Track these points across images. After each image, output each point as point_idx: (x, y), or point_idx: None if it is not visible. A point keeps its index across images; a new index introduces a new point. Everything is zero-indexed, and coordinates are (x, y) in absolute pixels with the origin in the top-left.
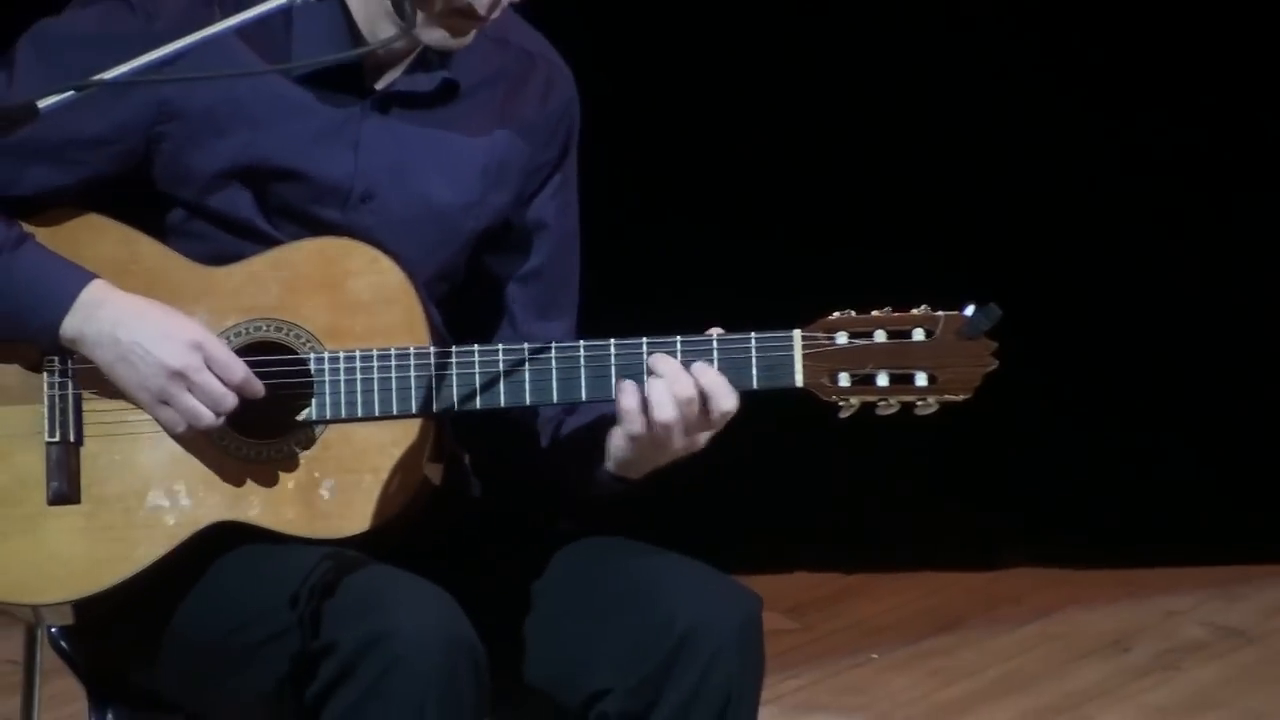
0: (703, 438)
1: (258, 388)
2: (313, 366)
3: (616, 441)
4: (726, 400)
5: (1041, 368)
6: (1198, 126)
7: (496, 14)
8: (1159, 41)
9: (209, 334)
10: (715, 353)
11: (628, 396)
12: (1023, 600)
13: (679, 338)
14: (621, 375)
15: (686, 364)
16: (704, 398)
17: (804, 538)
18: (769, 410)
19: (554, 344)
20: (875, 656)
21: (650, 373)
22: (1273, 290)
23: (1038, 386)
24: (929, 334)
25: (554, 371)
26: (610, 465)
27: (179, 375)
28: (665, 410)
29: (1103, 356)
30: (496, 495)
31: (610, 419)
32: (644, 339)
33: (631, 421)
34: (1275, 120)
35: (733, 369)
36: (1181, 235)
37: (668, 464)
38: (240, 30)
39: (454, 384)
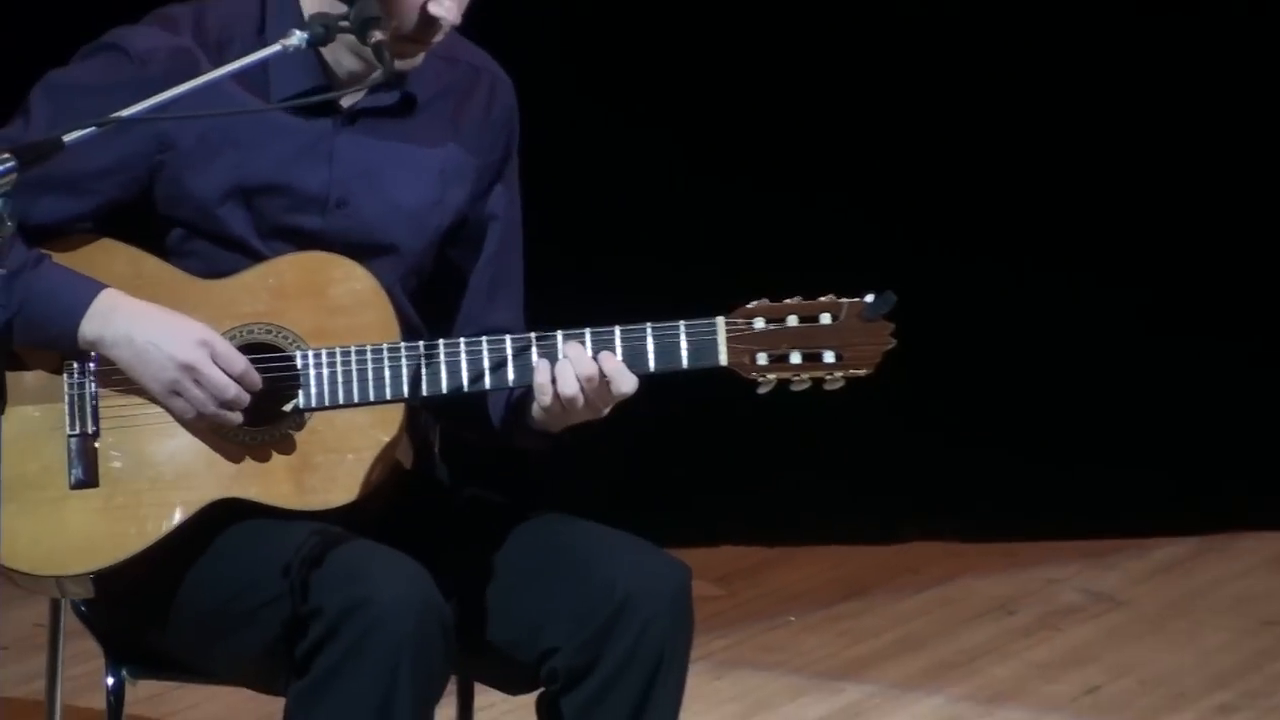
0: (605, 409)
1: (256, 379)
2: (299, 363)
3: (534, 410)
4: (625, 384)
5: (936, 363)
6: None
7: (439, 38)
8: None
9: (214, 332)
10: (616, 338)
11: (540, 374)
12: (920, 570)
13: (587, 330)
14: (540, 357)
15: (594, 352)
16: (605, 379)
17: (730, 515)
18: (699, 404)
19: (508, 336)
20: (792, 619)
21: (563, 356)
22: (1132, 281)
23: (934, 381)
24: (834, 318)
25: (509, 363)
26: (535, 418)
27: (189, 368)
28: (569, 386)
29: (989, 350)
30: (462, 477)
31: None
32: (558, 333)
33: (543, 394)
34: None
35: (665, 352)
36: (1053, 241)
37: (580, 422)
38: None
39: (422, 374)
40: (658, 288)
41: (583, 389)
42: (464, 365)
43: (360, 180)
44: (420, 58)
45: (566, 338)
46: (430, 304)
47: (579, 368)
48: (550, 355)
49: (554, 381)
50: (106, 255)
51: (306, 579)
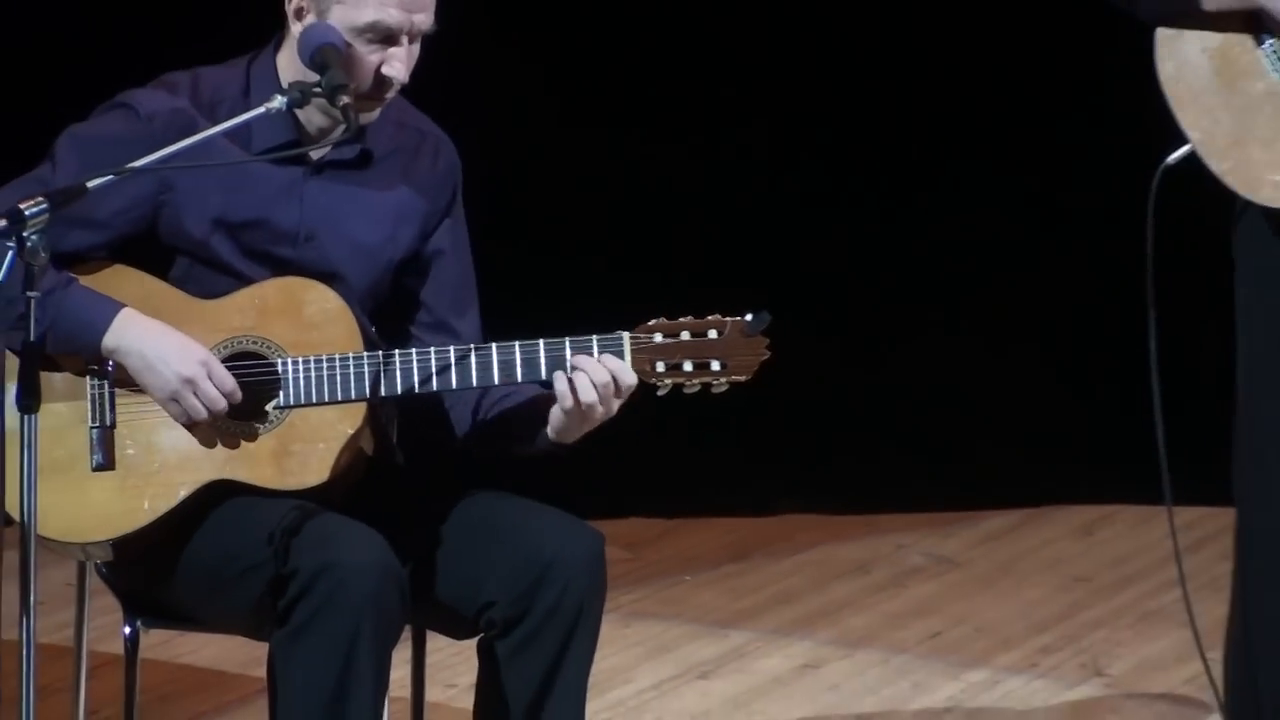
0: (615, 404)
1: (239, 397)
2: (280, 368)
3: (555, 415)
4: (629, 376)
5: (806, 365)
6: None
7: (392, 94)
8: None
9: (211, 355)
10: (541, 349)
11: (560, 383)
12: (793, 538)
13: (516, 343)
14: (550, 369)
15: (600, 358)
16: (614, 380)
17: (636, 491)
18: None
19: (451, 346)
20: (687, 578)
21: (574, 369)
22: (960, 288)
23: (806, 379)
24: (720, 333)
25: (452, 369)
26: (550, 433)
27: (189, 382)
28: (588, 393)
29: (848, 355)
30: (415, 463)
31: (541, 401)
32: (493, 345)
33: (564, 400)
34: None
35: (571, 357)
36: (896, 254)
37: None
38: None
39: (381, 378)
40: (572, 304)
41: (599, 394)
42: (414, 370)
43: (325, 220)
44: (377, 112)
45: (501, 347)
46: (392, 321)
47: (593, 373)
48: (560, 365)
49: (572, 390)
50: (122, 279)
51: (286, 546)
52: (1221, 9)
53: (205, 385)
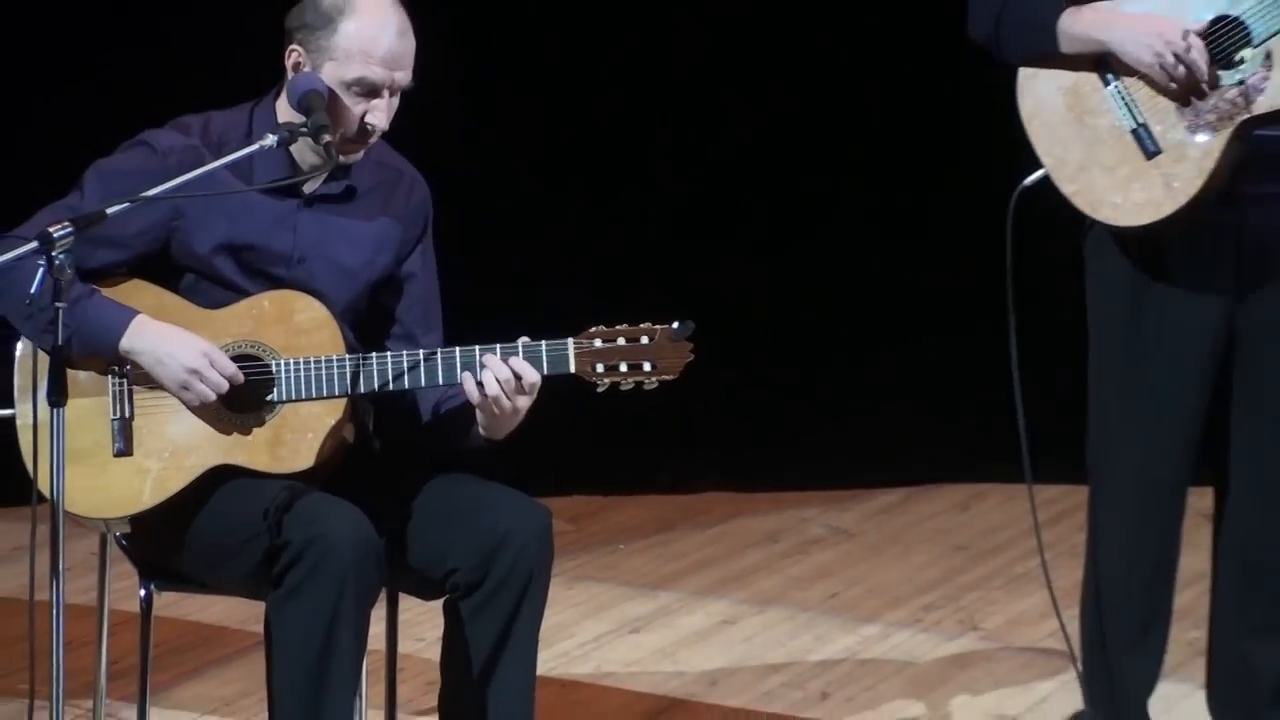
0: (522, 402)
1: (240, 378)
2: (274, 368)
3: (478, 414)
4: (532, 375)
5: (719, 360)
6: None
7: (375, 139)
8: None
9: (212, 346)
10: (498, 351)
11: (467, 383)
12: (712, 511)
13: (476, 347)
14: (463, 370)
15: (504, 358)
16: (517, 377)
17: (578, 473)
18: (553, 392)
19: (420, 352)
20: (622, 547)
21: (482, 367)
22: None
23: (719, 373)
24: (651, 339)
25: (421, 369)
26: (480, 429)
27: (194, 371)
28: (492, 387)
29: (759, 350)
30: (389, 450)
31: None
32: (476, 347)
33: (472, 396)
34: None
35: (532, 361)
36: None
37: (514, 429)
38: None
39: (360, 377)
40: (525, 312)
41: (502, 389)
42: (388, 369)
43: (314, 246)
44: (361, 154)
45: (482, 350)
46: (369, 332)
47: (497, 372)
48: (470, 367)
49: (479, 388)
50: (138, 291)
51: (280, 520)
52: (1074, 52)
53: (209, 372)
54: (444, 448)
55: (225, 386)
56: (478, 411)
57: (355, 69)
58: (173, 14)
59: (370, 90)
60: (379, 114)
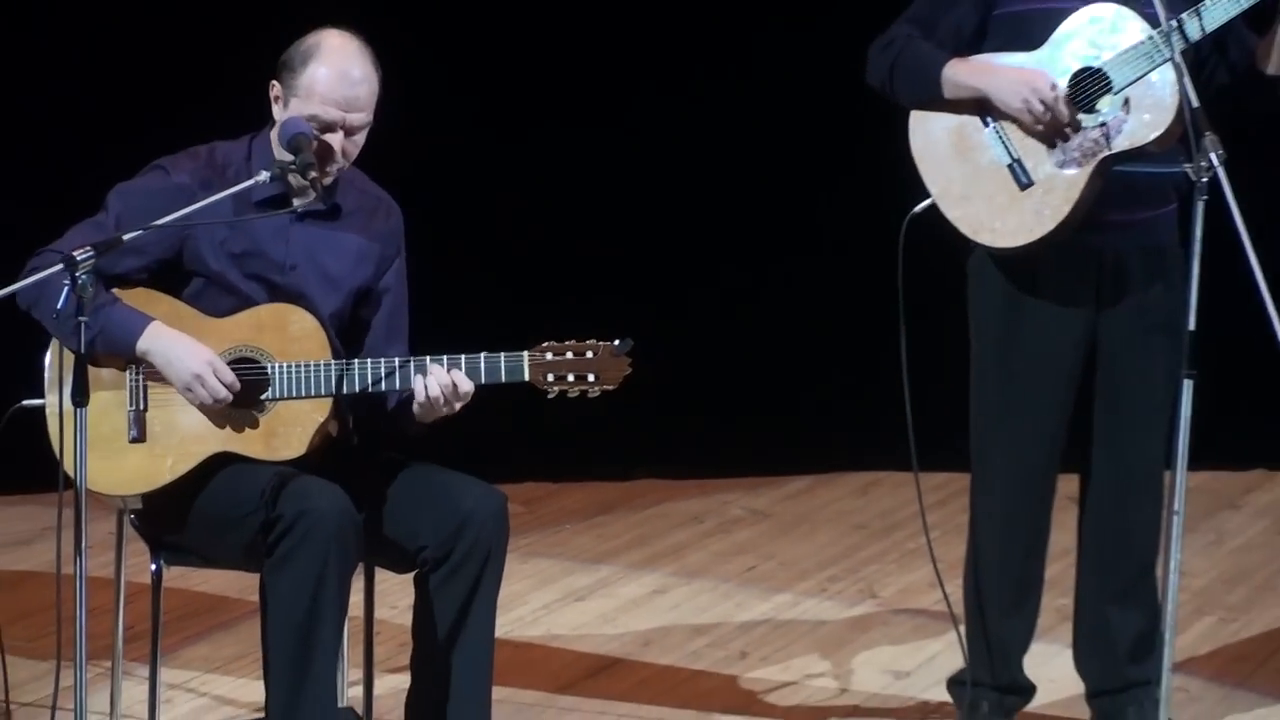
0: (457, 405)
1: (238, 387)
2: (269, 370)
3: (414, 409)
4: (466, 385)
5: (650, 362)
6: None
7: (335, 167)
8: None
9: (216, 356)
10: (463, 361)
11: (417, 385)
12: (645, 496)
13: (445, 356)
14: (416, 374)
15: (448, 369)
16: (454, 386)
17: (531, 462)
18: (511, 396)
19: (396, 359)
20: (568, 527)
21: (428, 373)
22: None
23: (649, 374)
24: (595, 354)
25: (396, 374)
26: (415, 417)
27: (198, 377)
28: (434, 390)
29: (685, 353)
30: (367, 442)
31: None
32: (426, 357)
33: (419, 396)
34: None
35: (492, 370)
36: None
37: (444, 417)
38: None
39: (344, 380)
40: (492, 330)
41: (441, 392)
42: (369, 374)
43: (305, 255)
44: (329, 179)
45: (433, 360)
46: (350, 342)
47: (439, 379)
48: (422, 371)
49: (424, 389)
50: (154, 300)
51: (273, 499)
52: (956, 98)
53: (211, 380)
54: (399, 432)
55: (225, 394)
56: (414, 404)
57: (313, 107)
58: (185, 61)
59: (325, 127)
60: (339, 146)
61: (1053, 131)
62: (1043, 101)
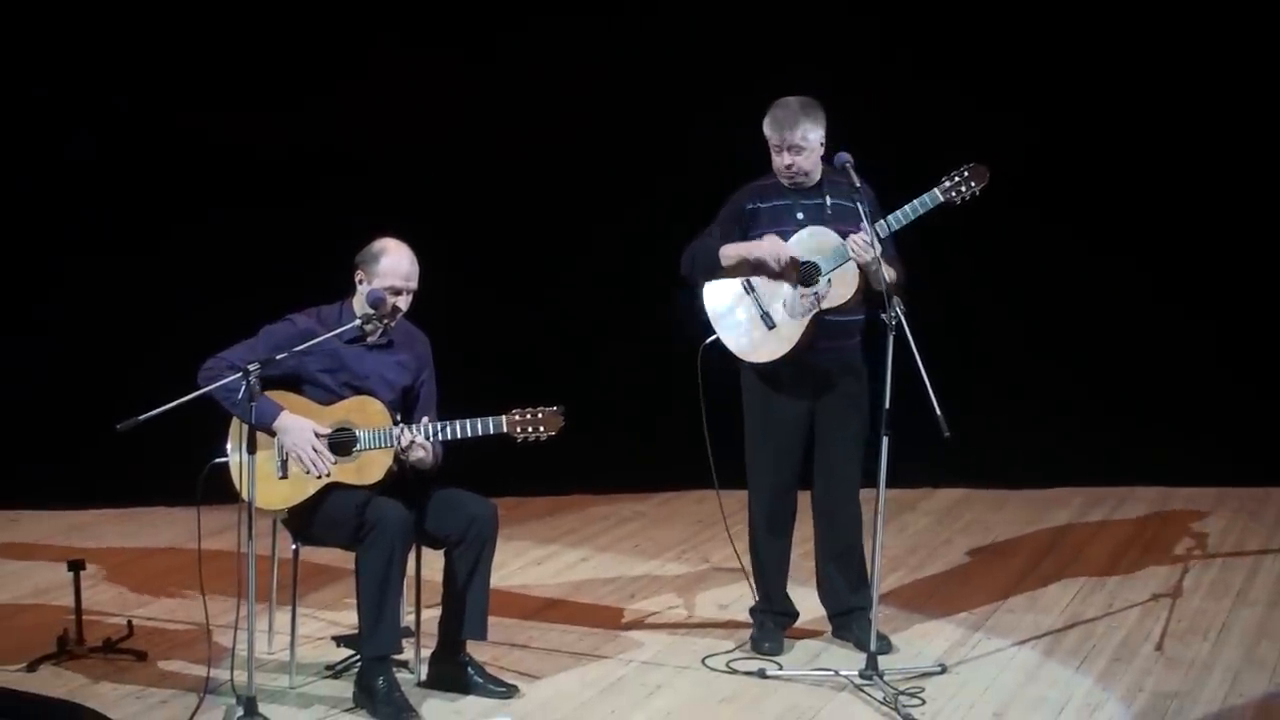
0: (428, 460)
1: (332, 459)
2: (358, 434)
3: (415, 457)
4: (420, 451)
5: (567, 398)
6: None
7: (400, 315)
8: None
9: (320, 442)
10: (469, 424)
11: (414, 451)
12: (578, 504)
13: (458, 420)
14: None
15: (428, 437)
16: (422, 447)
17: (509, 483)
18: (496, 444)
19: (433, 425)
20: (530, 523)
21: (414, 443)
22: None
23: (581, 421)
24: (543, 414)
25: (423, 429)
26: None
27: (302, 448)
28: (418, 452)
29: (599, 387)
30: (415, 474)
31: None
32: (432, 424)
33: (414, 452)
34: None
35: (484, 426)
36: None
37: (432, 465)
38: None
39: (401, 439)
40: (481, 395)
41: (420, 450)
42: (413, 434)
43: (373, 370)
44: (395, 321)
45: (451, 421)
46: (404, 416)
47: (421, 445)
48: (426, 436)
49: (422, 447)
50: (285, 395)
51: (362, 509)
52: (730, 264)
53: (309, 453)
54: (428, 471)
55: (323, 467)
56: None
57: (388, 281)
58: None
59: (394, 291)
60: (401, 304)
61: (785, 278)
62: (777, 261)
